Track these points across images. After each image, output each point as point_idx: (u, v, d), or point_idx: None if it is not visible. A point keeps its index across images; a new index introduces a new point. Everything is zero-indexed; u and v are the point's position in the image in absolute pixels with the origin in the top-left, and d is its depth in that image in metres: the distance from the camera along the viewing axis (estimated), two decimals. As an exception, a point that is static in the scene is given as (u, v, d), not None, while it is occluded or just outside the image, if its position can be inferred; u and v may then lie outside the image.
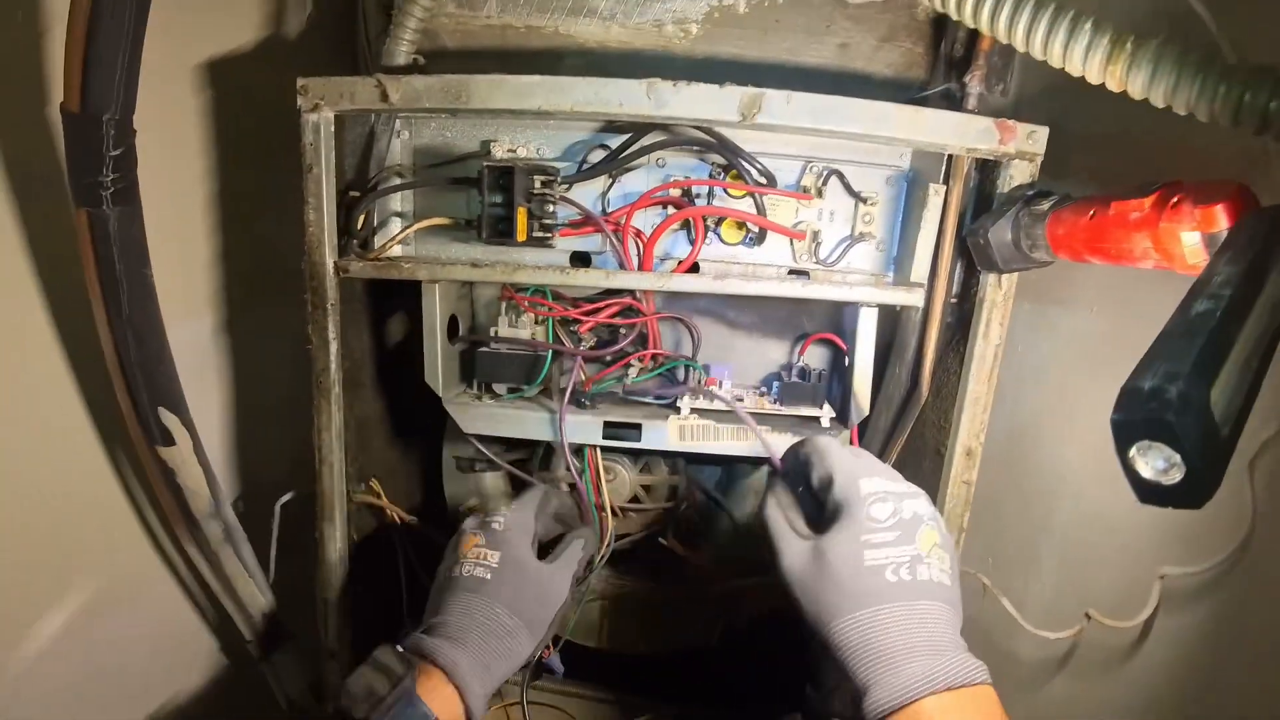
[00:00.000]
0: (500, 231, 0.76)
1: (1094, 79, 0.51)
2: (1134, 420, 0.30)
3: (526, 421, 0.82)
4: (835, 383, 0.84)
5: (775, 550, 0.61)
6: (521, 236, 0.75)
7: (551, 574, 0.72)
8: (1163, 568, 0.73)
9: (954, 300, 0.79)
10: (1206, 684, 0.72)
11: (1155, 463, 0.31)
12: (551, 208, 0.77)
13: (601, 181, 0.80)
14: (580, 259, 0.83)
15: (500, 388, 0.84)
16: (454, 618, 0.66)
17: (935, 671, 0.52)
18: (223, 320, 1.02)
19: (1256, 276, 0.34)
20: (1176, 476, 0.30)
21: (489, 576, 0.68)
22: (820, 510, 0.62)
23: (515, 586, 0.68)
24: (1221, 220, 0.46)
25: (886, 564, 0.56)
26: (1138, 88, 0.49)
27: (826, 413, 0.78)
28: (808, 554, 0.59)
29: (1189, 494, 0.30)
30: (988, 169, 0.76)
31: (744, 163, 0.73)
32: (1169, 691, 0.77)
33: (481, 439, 0.87)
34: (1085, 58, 0.50)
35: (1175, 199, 0.50)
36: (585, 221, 0.78)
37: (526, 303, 0.81)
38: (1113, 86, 0.50)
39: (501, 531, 0.72)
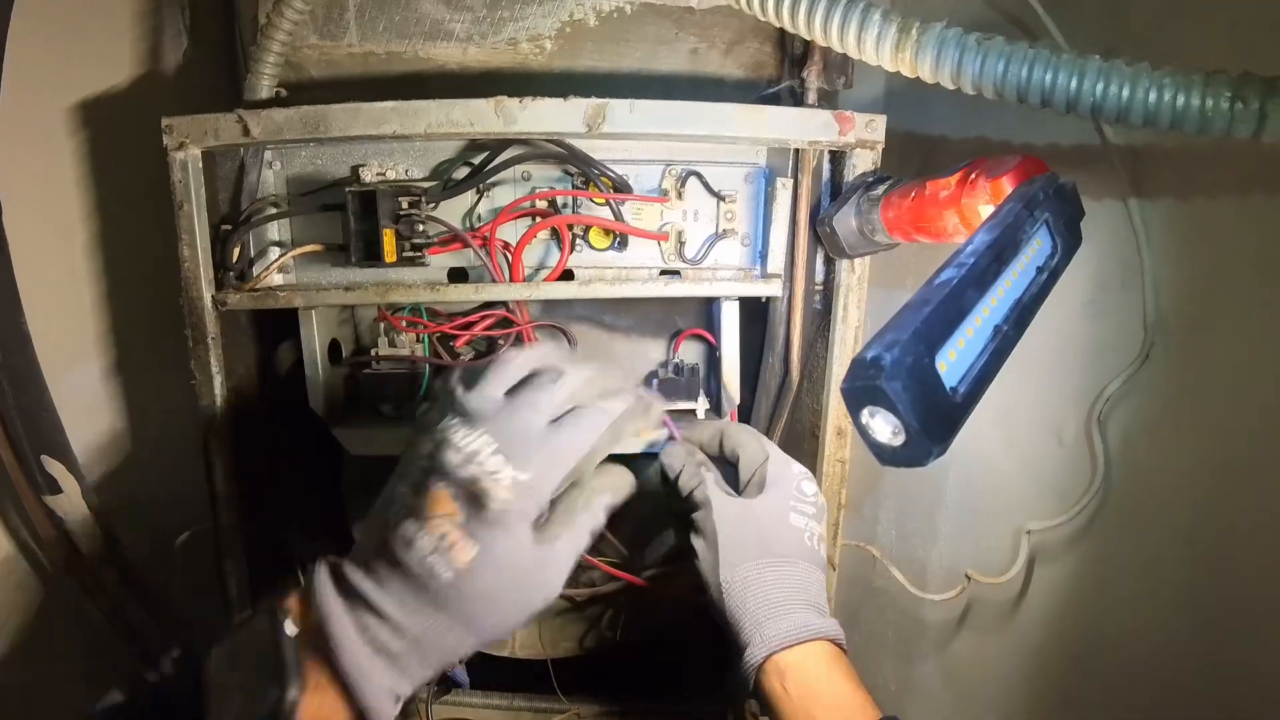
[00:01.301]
0: (370, 254, 0.73)
1: (888, 66, 0.50)
2: (856, 387, 0.29)
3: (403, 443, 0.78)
4: (712, 375, 0.83)
5: (704, 503, 0.61)
6: (390, 257, 0.73)
7: (546, 563, 0.48)
8: (1029, 523, 0.73)
9: (818, 289, 0.79)
10: (1081, 629, 0.74)
11: (884, 426, 0.30)
12: (420, 227, 0.75)
13: (469, 198, 0.78)
14: (458, 274, 0.80)
15: (386, 407, 0.81)
16: (389, 607, 0.44)
17: (817, 624, 0.56)
18: (113, 361, 0.97)
19: (1005, 244, 0.34)
20: (901, 438, 0.29)
21: (450, 577, 0.44)
22: (735, 488, 0.65)
23: (487, 599, 0.45)
24: (1008, 191, 0.46)
25: (805, 529, 0.61)
26: (926, 71, 0.48)
27: (702, 404, 0.78)
28: (738, 508, 0.61)
29: (913, 453, 0.29)
30: (837, 160, 0.76)
31: (595, 171, 0.71)
32: (1051, 638, 0.78)
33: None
34: (877, 47, 0.50)
35: (973, 175, 0.50)
36: (454, 238, 0.75)
37: (404, 322, 0.78)
38: (905, 72, 0.50)
39: (499, 513, 0.45)
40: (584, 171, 0.72)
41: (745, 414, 0.81)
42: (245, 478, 0.82)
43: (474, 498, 0.45)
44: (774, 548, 0.59)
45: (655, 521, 0.90)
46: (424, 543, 0.44)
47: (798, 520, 0.61)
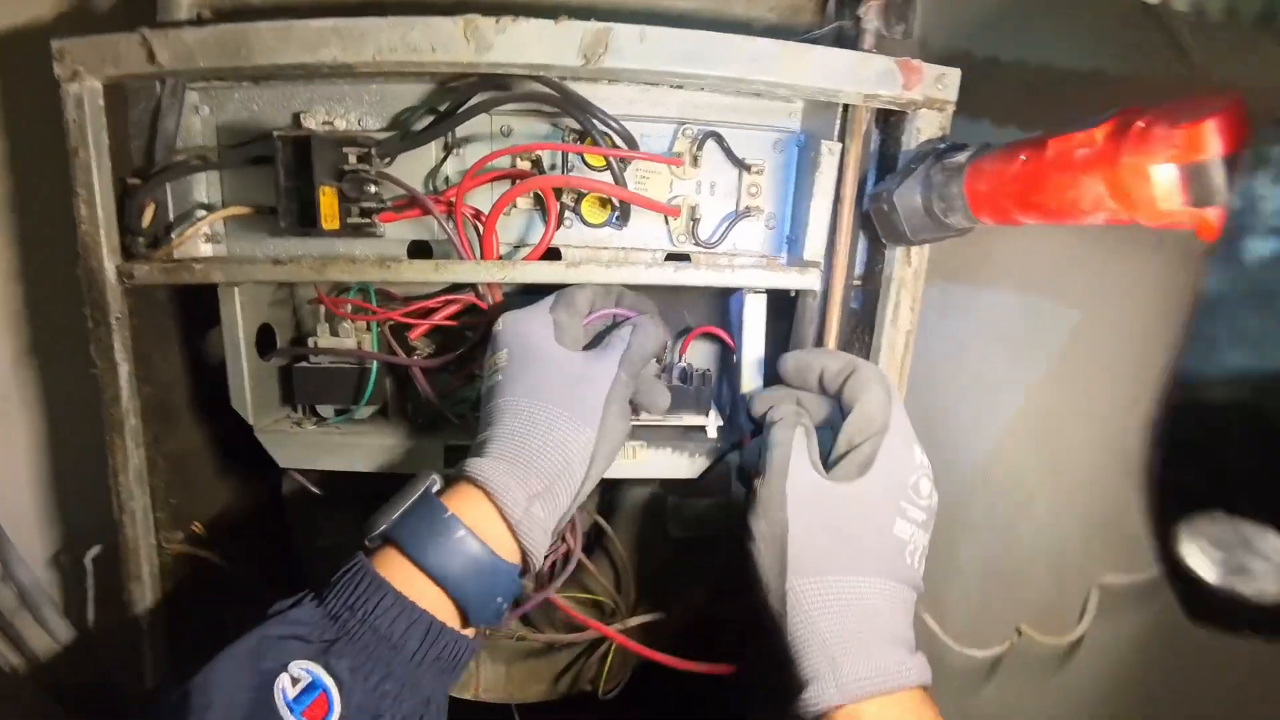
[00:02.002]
0: (305, 218, 0.57)
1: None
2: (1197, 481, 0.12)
3: (354, 450, 0.62)
4: (724, 384, 0.66)
5: (776, 473, 0.47)
6: (330, 224, 0.56)
7: (584, 358, 0.52)
8: (1103, 576, 0.57)
9: (857, 282, 0.62)
10: (1144, 692, 0.59)
11: (1230, 554, 0.13)
12: (371, 188, 0.58)
13: (434, 154, 0.61)
14: (419, 249, 0.63)
15: (327, 411, 0.64)
16: (482, 434, 0.50)
17: (908, 666, 0.43)
18: (24, 347, 0.80)
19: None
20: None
21: (500, 378, 0.51)
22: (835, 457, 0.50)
23: (533, 372, 0.50)
24: (1213, 142, 0.29)
25: (908, 543, 0.47)
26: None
27: (713, 420, 0.61)
28: (822, 489, 0.47)
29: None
30: (891, 125, 0.60)
31: (594, 120, 0.54)
32: (1106, 699, 0.63)
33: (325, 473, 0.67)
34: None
35: (1140, 124, 0.33)
36: (412, 202, 0.58)
37: (348, 307, 0.61)
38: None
39: (502, 330, 0.53)
40: (580, 121, 0.55)
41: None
42: (163, 488, 0.65)
43: (491, 335, 0.54)
44: (866, 560, 0.45)
45: (648, 554, 0.74)
46: (483, 379, 0.53)
47: (904, 529, 0.46)
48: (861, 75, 0.54)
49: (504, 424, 0.48)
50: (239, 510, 0.76)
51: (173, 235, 0.63)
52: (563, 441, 0.47)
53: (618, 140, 0.58)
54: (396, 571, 0.43)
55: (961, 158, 0.48)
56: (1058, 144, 0.38)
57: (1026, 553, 0.69)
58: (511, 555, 0.46)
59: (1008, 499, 0.68)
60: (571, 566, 0.58)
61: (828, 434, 0.51)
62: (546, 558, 0.49)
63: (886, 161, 0.60)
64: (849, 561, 0.45)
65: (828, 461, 0.49)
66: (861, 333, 0.61)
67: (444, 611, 0.44)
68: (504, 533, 0.46)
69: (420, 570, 0.43)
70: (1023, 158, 0.42)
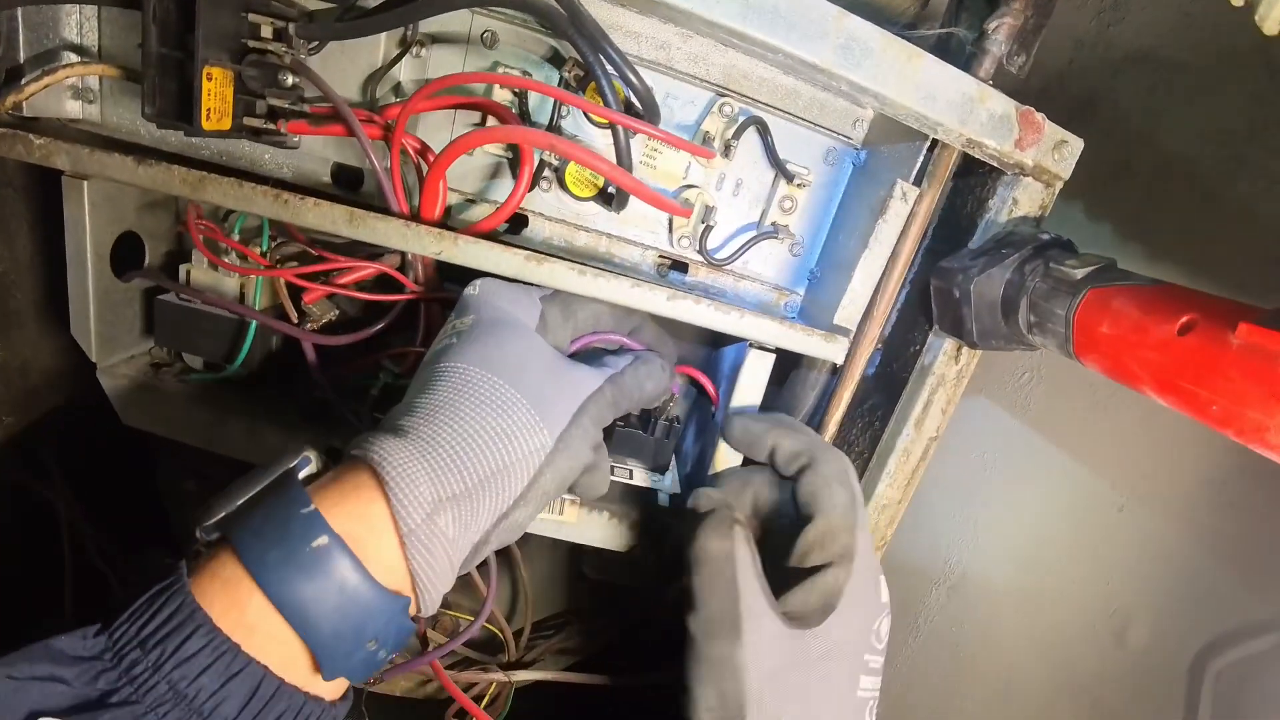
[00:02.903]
0: (180, 106, 0.39)
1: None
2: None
3: (214, 427, 0.47)
4: (689, 438, 0.54)
5: (722, 621, 0.36)
6: (215, 121, 0.39)
7: (566, 359, 0.40)
8: None
9: (878, 347, 0.51)
10: None
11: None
12: (288, 80, 0.41)
13: (385, 47, 0.44)
14: (347, 178, 0.47)
15: (195, 361, 0.49)
16: (401, 404, 0.36)
17: None
18: None
19: None
20: None
21: (453, 342, 0.38)
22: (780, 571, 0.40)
23: (498, 344, 0.38)
24: None
25: (869, 698, 0.39)
26: None
27: (669, 483, 0.49)
28: (785, 647, 0.36)
29: None
30: (972, 179, 0.46)
31: (608, 64, 0.38)
32: None
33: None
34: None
35: None
36: (335, 113, 0.41)
37: (220, 240, 0.45)
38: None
39: (476, 294, 0.41)
40: (584, 61, 0.39)
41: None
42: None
43: (460, 299, 0.41)
44: None
45: (553, 588, 0.63)
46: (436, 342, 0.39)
47: (866, 685, 0.39)
48: (974, 112, 0.40)
49: (435, 392, 0.35)
50: (92, 442, 0.59)
51: (22, 81, 0.43)
52: (508, 433, 0.34)
53: (634, 101, 0.42)
54: (225, 592, 0.29)
55: (1078, 273, 0.36)
56: (1256, 336, 0.27)
57: (980, 693, 0.62)
58: (401, 582, 0.32)
59: (974, 625, 0.60)
60: (477, 625, 0.46)
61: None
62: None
63: (955, 219, 0.48)
64: None
65: (783, 585, 0.39)
66: (870, 416, 0.50)
67: (288, 658, 0.30)
68: (394, 548, 0.32)
69: (260, 591, 0.29)
70: (1185, 321, 0.30)
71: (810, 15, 0.38)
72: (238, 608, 0.29)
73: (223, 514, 0.31)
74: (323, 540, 0.30)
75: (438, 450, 0.33)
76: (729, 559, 0.37)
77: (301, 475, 0.33)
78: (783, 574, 0.39)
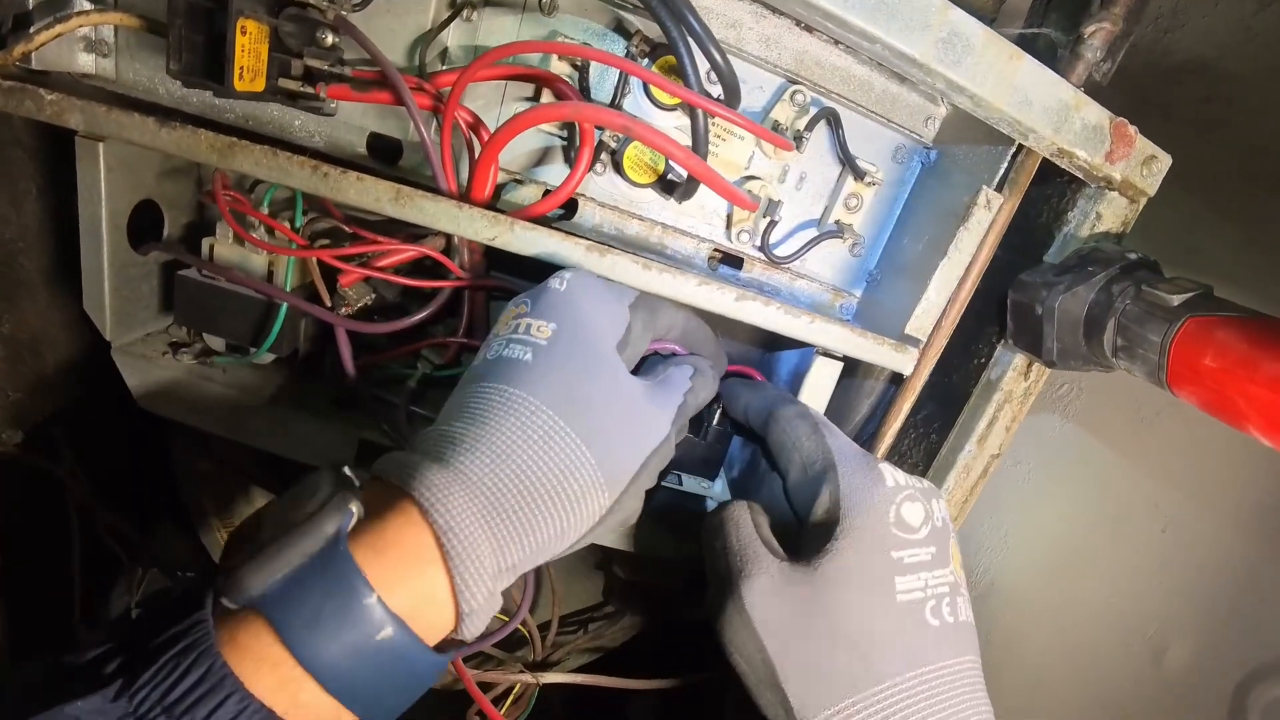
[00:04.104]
0: (209, 65, 0.35)
1: None
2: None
3: (238, 413, 0.43)
4: (737, 443, 0.52)
5: (724, 581, 0.35)
6: (247, 81, 0.36)
7: (644, 391, 0.36)
8: None
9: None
10: None
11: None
12: (329, 38, 0.37)
13: (433, 12, 0.40)
14: (385, 150, 0.43)
15: (217, 342, 0.45)
16: (458, 425, 0.32)
17: None
18: None
19: None
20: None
21: (528, 358, 0.33)
22: (796, 526, 0.38)
23: (579, 378, 0.33)
24: None
25: (926, 598, 0.34)
26: None
27: (718, 490, 0.47)
28: (790, 590, 0.34)
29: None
30: (1049, 187, 0.44)
31: (690, 37, 0.35)
32: None
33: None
34: None
35: None
36: (382, 79, 0.38)
37: (248, 214, 0.41)
38: None
39: (563, 291, 0.36)
40: (664, 30, 0.35)
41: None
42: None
43: (542, 289, 0.36)
44: (886, 656, 0.33)
45: (582, 587, 0.61)
46: (498, 339, 0.35)
47: (909, 584, 0.34)
48: (1068, 120, 0.38)
49: (500, 429, 0.31)
50: (102, 417, 0.55)
51: (30, 29, 0.38)
52: (575, 498, 0.31)
53: (715, 82, 0.39)
54: (256, 659, 0.27)
55: (1175, 299, 0.35)
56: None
57: (1007, 704, 0.61)
58: (438, 636, 0.30)
59: (1002, 634, 0.59)
60: (509, 628, 0.44)
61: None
62: None
63: (1029, 228, 0.46)
64: (866, 670, 0.33)
65: (793, 536, 0.37)
66: (924, 427, 0.49)
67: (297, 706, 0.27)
68: (450, 619, 0.30)
69: (312, 679, 0.27)
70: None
71: (914, 4, 0.35)
72: (276, 679, 0.27)
73: (261, 590, 0.27)
74: (387, 633, 0.27)
75: (503, 516, 0.30)
76: (728, 518, 0.36)
77: (347, 530, 0.29)
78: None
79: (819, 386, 0.43)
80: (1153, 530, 0.51)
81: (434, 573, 0.29)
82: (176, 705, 0.25)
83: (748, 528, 0.36)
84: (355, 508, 0.29)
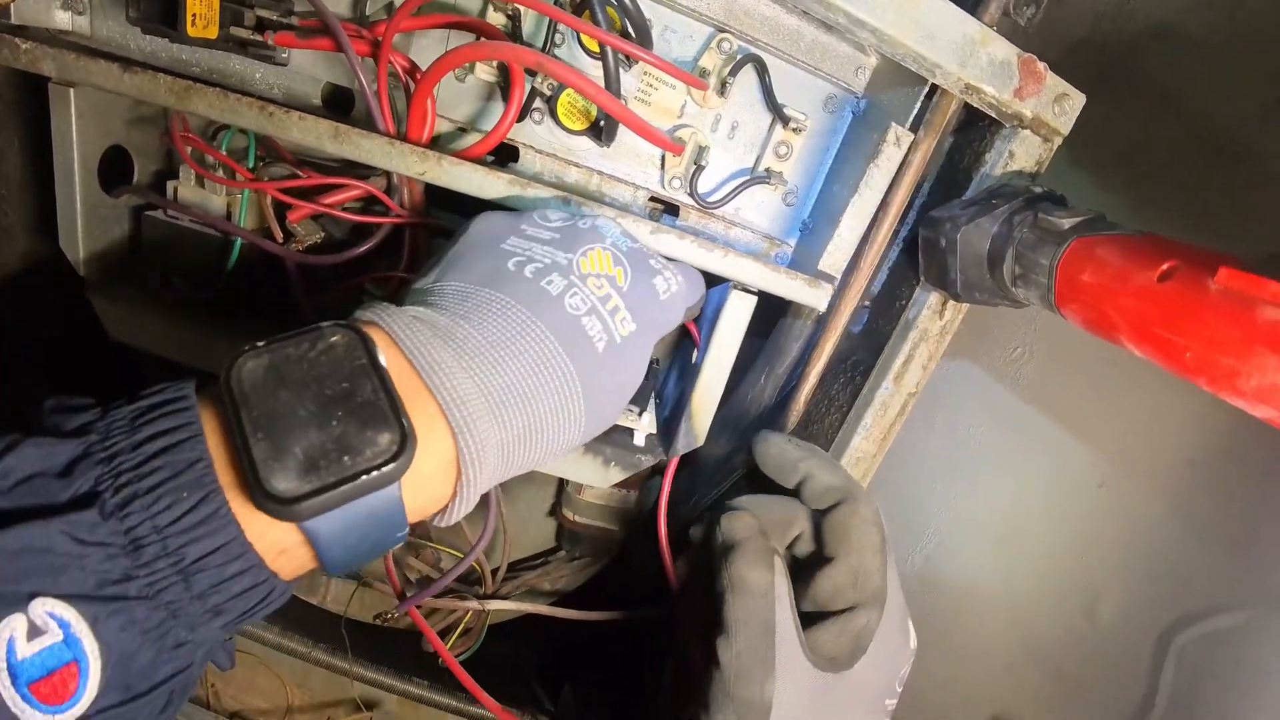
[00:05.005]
0: (165, 12, 0.39)
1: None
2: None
3: (199, 344, 0.47)
4: (671, 379, 0.53)
5: (755, 660, 0.35)
6: (200, 28, 0.39)
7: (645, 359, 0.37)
8: None
9: (866, 304, 0.50)
10: None
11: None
12: (280, -13, 0.40)
13: (378, -35, 0.43)
14: (339, 99, 0.46)
15: (178, 280, 0.49)
16: (426, 288, 0.34)
17: None
18: None
19: None
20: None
21: (600, 346, 0.34)
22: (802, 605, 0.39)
23: (617, 371, 0.35)
24: None
25: None
26: None
27: (645, 425, 0.48)
28: (816, 690, 0.36)
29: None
30: (971, 132, 0.45)
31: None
32: None
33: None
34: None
35: None
36: (323, 27, 0.41)
37: (206, 153, 0.44)
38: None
39: (663, 301, 0.38)
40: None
41: (687, 457, 0.52)
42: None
43: (644, 272, 0.37)
44: None
45: (532, 527, 0.63)
46: (578, 299, 0.34)
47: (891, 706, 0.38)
48: (973, 55, 0.39)
49: (534, 387, 0.31)
50: (81, 361, 0.59)
51: None
52: (563, 425, 0.33)
53: (628, 26, 0.41)
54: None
55: (1066, 222, 0.35)
56: (1237, 281, 0.26)
57: (945, 658, 0.61)
58: (422, 513, 0.31)
59: (947, 593, 0.60)
60: (469, 561, 0.46)
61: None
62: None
63: (953, 174, 0.47)
64: None
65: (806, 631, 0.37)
66: (852, 371, 0.49)
67: (287, 556, 0.27)
68: (440, 482, 0.30)
69: (307, 544, 0.27)
70: (1165, 269, 0.29)
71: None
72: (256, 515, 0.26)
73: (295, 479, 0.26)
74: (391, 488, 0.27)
75: (510, 434, 0.31)
76: (767, 595, 0.36)
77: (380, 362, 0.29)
78: (806, 610, 0.38)
79: (734, 320, 0.44)
80: (1090, 488, 0.51)
81: (436, 424, 0.29)
82: (172, 539, 0.25)
83: (788, 609, 0.36)
84: (378, 338, 0.30)
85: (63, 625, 0.24)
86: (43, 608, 0.23)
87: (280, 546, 0.27)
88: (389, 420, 0.27)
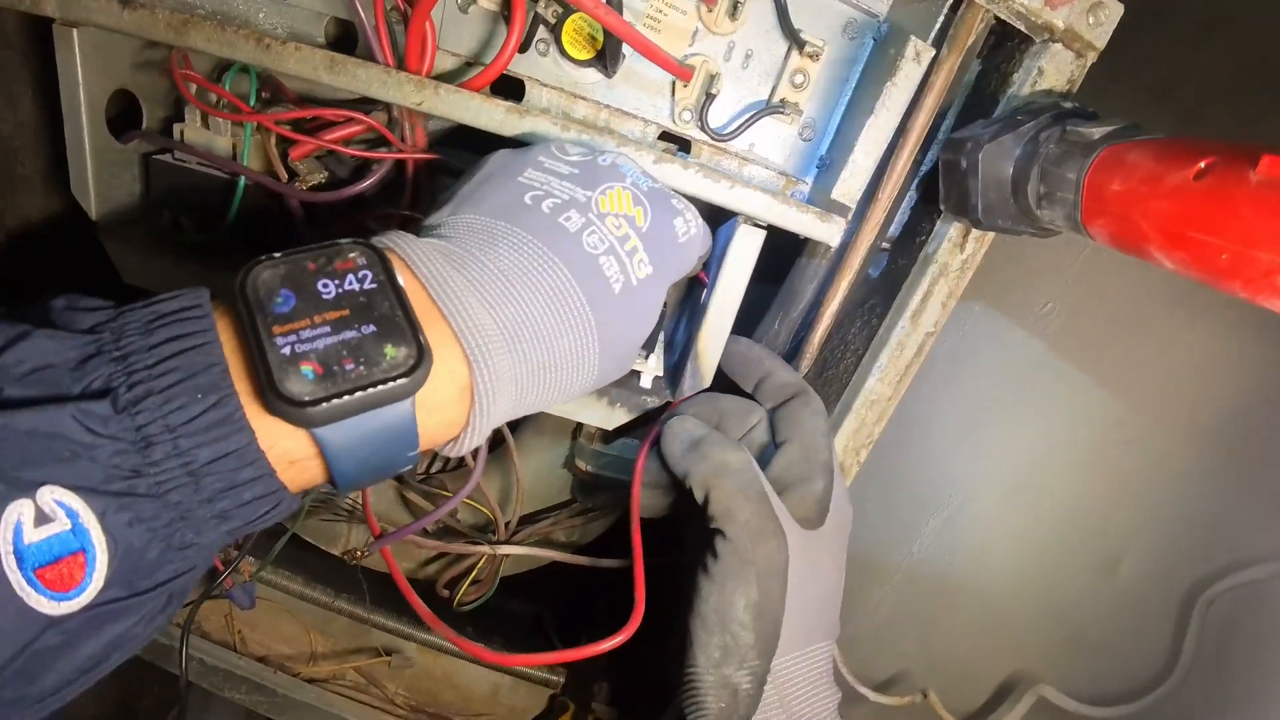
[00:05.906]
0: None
1: None
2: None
3: (207, 283, 0.47)
4: (680, 324, 0.52)
5: (761, 528, 0.39)
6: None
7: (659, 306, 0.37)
8: (1044, 686, 0.49)
9: (886, 245, 0.47)
10: None
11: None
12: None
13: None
14: (346, 36, 0.45)
15: (186, 223, 0.49)
16: (444, 214, 0.34)
17: None
18: None
19: None
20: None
21: (618, 288, 0.33)
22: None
23: (632, 315, 0.34)
24: None
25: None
26: None
27: (651, 367, 0.47)
28: (809, 545, 0.41)
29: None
30: (1002, 53, 0.42)
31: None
32: None
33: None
34: None
35: None
36: (321, -46, 0.40)
37: (211, 95, 0.44)
38: None
39: (690, 239, 0.38)
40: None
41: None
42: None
43: (664, 212, 0.37)
44: (827, 622, 0.43)
45: (544, 478, 0.63)
46: (595, 238, 0.33)
47: (842, 582, 0.45)
48: (1001, -40, 0.36)
49: (546, 320, 0.31)
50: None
51: None
52: (577, 368, 0.33)
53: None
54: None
55: (1096, 132, 0.32)
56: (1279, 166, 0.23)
57: (965, 619, 0.59)
58: (433, 439, 0.30)
59: (967, 553, 0.57)
60: (464, 493, 0.45)
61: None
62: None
63: (979, 102, 0.44)
64: (821, 627, 0.41)
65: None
66: (869, 315, 0.47)
67: (298, 467, 0.27)
68: (453, 407, 0.29)
69: (319, 456, 0.27)
70: (1203, 166, 0.26)
71: None
72: (271, 424, 0.26)
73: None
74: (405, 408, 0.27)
75: (525, 368, 0.31)
76: (751, 467, 0.40)
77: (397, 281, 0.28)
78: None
79: (741, 255, 0.42)
80: (1116, 444, 0.48)
81: (450, 349, 0.29)
82: (184, 440, 0.25)
83: (768, 481, 0.41)
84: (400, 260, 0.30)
85: (70, 514, 0.23)
86: (50, 495, 0.23)
87: (291, 457, 0.27)
88: (405, 335, 0.27)
